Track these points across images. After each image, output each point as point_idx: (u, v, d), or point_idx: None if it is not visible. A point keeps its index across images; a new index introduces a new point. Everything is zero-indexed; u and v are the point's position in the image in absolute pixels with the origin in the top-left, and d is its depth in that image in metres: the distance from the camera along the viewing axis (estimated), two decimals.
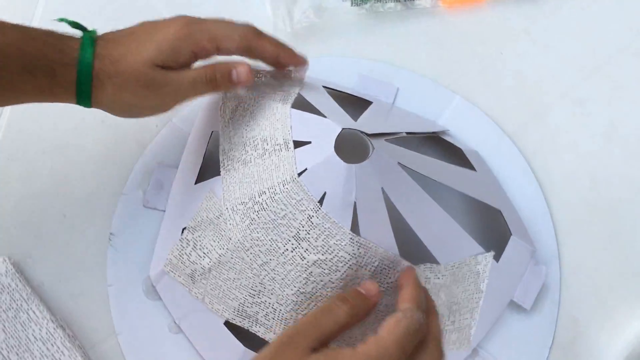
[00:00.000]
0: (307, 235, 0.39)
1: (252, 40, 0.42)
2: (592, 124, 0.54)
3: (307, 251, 0.39)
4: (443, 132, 0.51)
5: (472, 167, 0.48)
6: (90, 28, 0.42)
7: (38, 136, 0.52)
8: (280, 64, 0.44)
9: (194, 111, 0.52)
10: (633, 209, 0.51)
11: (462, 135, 0.53)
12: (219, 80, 0.42)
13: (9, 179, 0.51)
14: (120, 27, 0.43)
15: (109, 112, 0.42)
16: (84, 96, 0.41)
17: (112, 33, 0.41)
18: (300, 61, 0.45)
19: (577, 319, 0.48)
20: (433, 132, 0.49)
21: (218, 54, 0.42)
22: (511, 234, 0.46)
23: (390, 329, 0.33)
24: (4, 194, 0.50)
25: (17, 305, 0.45)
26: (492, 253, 0.45)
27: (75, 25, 0.41)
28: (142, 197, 0.50)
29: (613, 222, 0.50)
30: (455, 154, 0.49)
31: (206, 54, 0.42)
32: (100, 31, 0.42)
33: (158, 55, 0.40)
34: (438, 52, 0.56)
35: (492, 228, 0.47)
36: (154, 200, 0.49)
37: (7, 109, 0.53)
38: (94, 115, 0.52)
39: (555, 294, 0.48)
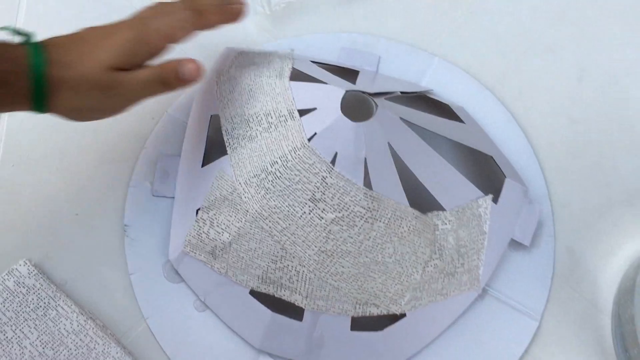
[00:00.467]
0: (323, 196, 0.41)
1: (198, 21, 0.43)
2: (564, 68, 0.57)
3: (324, 211, 0.42)
4: (428, 92, 0.54)
5: (460, 120, 0.51)
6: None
7: (39, 140, 0.53)
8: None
9: (188, 99, 0.54)
10: (610, 140, 0.54)
11: (446, 93, 0.55)
12: (168, 80, 0.42)
13: (17, 185, 0.52)
14: None
15: (64, 117, 0.42)
16: (40, 103, 0.40)
17: (58, 38, 0.41)
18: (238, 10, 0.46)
19: (572, 249, 0.52)
20: (420, 92, 0.52)
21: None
22: (505, 177, 0.49)
23: None
24: (15, 200, 0.51)
25: (45, 303, 0.47)
26: (491, 196, 0.48)
27: (17, 32, 0.41)
28: (149, 188, 0.51)
29: (594, 154, 0.54)
30: (443, 110, 0.52)
31: (161, 52, 0.42)
32: None
33: (114, 58, 0.40)
34: (413, 18, 0.59)
35: (487, 173, 0.50)
36: (162, 189, 0.51)
37: (5, 117, 0.54)
38: None
39: (550, 228, 0.52)
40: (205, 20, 0.44)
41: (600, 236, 0.52)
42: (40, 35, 0.42)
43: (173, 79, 0.42)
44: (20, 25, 0.57)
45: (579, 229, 0.52)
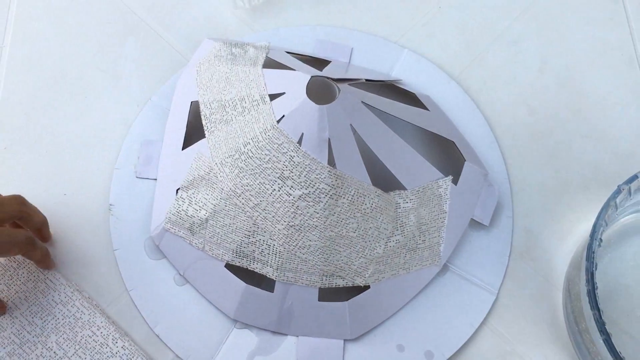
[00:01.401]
0: (291, 174, 0.45)
1: (18, 211, 0.47)
2: (526, 59, 0.61)
3: (292, 188, 0.45)
4: (397, 81, 0.57)
5: (425, 108, 0.55)
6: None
7: (29, 124, 0.56)
8: (41, 234, 0.50)
9: (170, 88, 0.57)
10: (566, 128, 0.58)
11: (414, 83, 0.59)
12: (35, 249, 0.48)
13: (8, 167, 0.55)
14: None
15: None
16: None
17: None
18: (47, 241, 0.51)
19: (529, 229, 0.55)
20: (388, 81, 0.56)
21: None
22: (465, 160, 0.53)
23: None
24: (6, 181, 0.54)
25: (35, 276, 0.50)
26: (450, 177, 0.51)
27: None
28: (134, 170, 0.55)
29: (551, 142, 0.58)
30: (409, 98, 0.56)
31: None
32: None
33: None
34: (385, 12, 0.62)
35: (448, 157, 0.54)
36: (145, 171, 0.54)
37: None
38: (78, 104, 0.57)
39: (509, 210, 0.55)
40: (26, 216, 0.48)
41: (556, 217, 0.55)
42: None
43: None
44: (11, 23, 0.60)
45: (536, 211, 0.56)
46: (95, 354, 0.48)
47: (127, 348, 0.48)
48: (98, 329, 0.48)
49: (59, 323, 0.49)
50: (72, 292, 0.50)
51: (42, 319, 0.49)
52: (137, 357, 0.47)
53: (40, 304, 0.49)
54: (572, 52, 0.61)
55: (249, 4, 0.61)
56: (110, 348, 0.48)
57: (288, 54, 0.55)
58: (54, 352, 0.47)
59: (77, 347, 0.48)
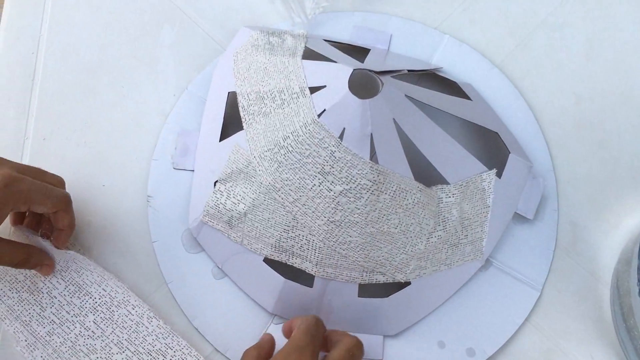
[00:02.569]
0: (332, 169, 0.44)
1: (60, 211, 0.47)
2: (571, 45, 0.58)
3: (332, 183, 0.44)
4: (437, 70, 0.56)
5: (467, 97, 0.53)
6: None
7: (67, 116, 0.56)
8: (61, 237, 0.49)
9: (207, 77, 0.57)
10: (615, 117, 0.56)
11: (455, 71, 0.57)
12: (27, 266, 0.47)
13: (48, 157, 0.55)
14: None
15: None
16: None
17: None
18: (58, 248, 0.49)
19: (575, 222, 0.53)
20: (429, 70, 0.54)
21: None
22: (510, 152, 0.51)
23: None
24: None
25: (64, 258, 0.50)
26: (494, 170, 0.50)
27: None
28: (171, 161, 0.54)
29: (598, 132, 0.56)
30: (451, 87, 0.54)
31: (21, 211, 0.46)
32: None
33: None
34: None
35: (492, 149, 0.52)
36: (182, 162, 0.54)
37: (36, 94, 0.57)
38: (115, 93, 0.57)
39: (554, 202, 0.54)
40: (60, 219, 0.48)
41: (603, 210, 0.54)
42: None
43: (31, 266, 0.48)
44: (48, 12, 0.60)
45: (582, 203, 0.54)
46: (132, 333, 0.48)
47: (162, 327, 0.48)
48: (133, 308, 0.48)
49: (96, 302, 0.49)
50: (103, 271, 0.49)
51: (79, 299, 0.49)
52: (172, 337, 0.47)
53: (77, 284, 0.49)
54: (620, 37, 0.59)
55: (306, 19, 0.58)
56: (145, 327, 0.48)
57: (326, 42, 0.53)
58: (92, 331, 0.48)
59: (115, 326, 0.48)
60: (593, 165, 0.55)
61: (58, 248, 0.49)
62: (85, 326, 0.48)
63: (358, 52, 0.53)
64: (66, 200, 0.47)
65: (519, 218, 0.52)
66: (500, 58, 0.58)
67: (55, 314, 0.48)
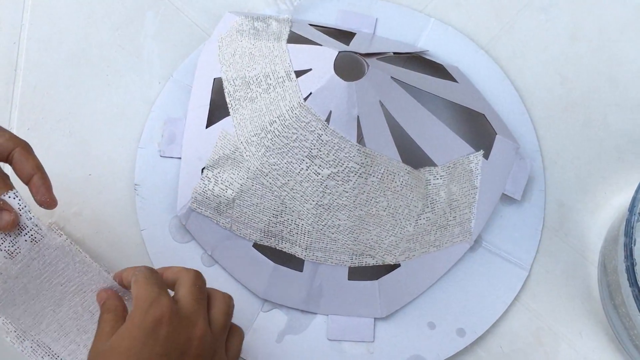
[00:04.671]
0: (319, 153, 0.44)
1: (19, 150, 0.41)
2: (557, 27, 0.58)
3: (320, 167, 0.44)
4: (424, 52, 0.56)
5: (454, 80, 0.53)
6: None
7: (52, 106, 0.56)
8: (31, 188, 0.41)
9: (192, 64, 0.56)
10: (601, 97, 0.56)
11: (441, 54, 0.57)
12: None
13: (33, 148, 0.54)
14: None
15: None
16: None
17: None
18: (47, 202, 0.42)
19: (562, 202, 0.54)
20: (415, 52, 0.54)
21: None
22: (496, 134, 0.51)
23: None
24: None
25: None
26: (481, 152, 0.50)
27: None
28: (157, 149, 0.54)
29: (584, 112, 0.56)
30: (437, 70, 0.54)
31: None
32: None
33: None
34: None
35: (479, 130, 0.52)
36: (169, 150, 0.54)
37: (19, 84, 0.56)
38: (99, 82, 0.56)
39: (541, 183, 0.54)
40: (18, 162, 0.41)
41: (590, 190, 0.54)
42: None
43: None
44: (29, 1, 0.59)
45: (569, 183, 0.54)
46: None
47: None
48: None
49: (83, 284, 0.47)
50: (87, 259, 0.49)
51: (61, 284, 0.48)
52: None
53: (61, 268, 0.48)
54: (605, 18, 0.59)
55: (292, 5, 0.58)
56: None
57: (311, 27, 0.53)
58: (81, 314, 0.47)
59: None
60: (579, 146, 0.55)
61: (47, 205, 0.42)
62: (73, 309, 0.47)
63: (343, 36, 0.53)
64: (24, 144, 0.41)
65: (506, 199, 0.53)
66: (486, 40, 0.58)
67: (41, 300, 0.48)
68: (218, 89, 0.51)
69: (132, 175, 0.54)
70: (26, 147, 0.42)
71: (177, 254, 0.51)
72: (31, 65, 0.57)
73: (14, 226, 0.40)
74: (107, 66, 0.57)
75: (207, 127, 0.51)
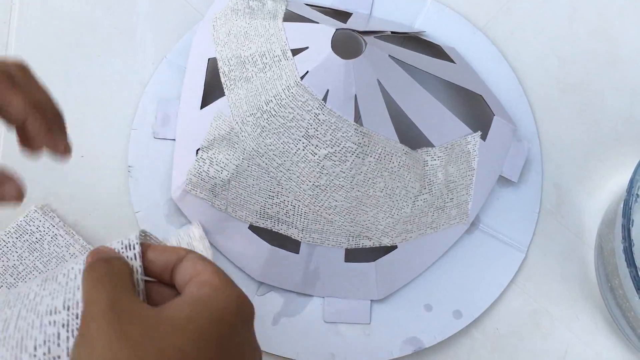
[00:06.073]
0: (316, 132, 0.43)
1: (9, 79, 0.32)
2: (555, 8, 0.58)
3: (317, 147, 0.44)
4: (421, 33, 0.55)
5: (451, 60, 0.53)
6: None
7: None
8: (26, 133, 0.34)
9: (186, 45, 0.55)
10: (599, 80, 0.56)
11: (438, 35, 0.57)
12: None
13: None
14: None
15: None
16: None
17: None
18: (58, 147, 0.35)
19: (559, 185, 0.53)
20: (412, 33, 0.53)
21: None
22: (494, 115, 0.51)
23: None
24: None
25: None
26: (479, 133, 0.50)
27: None
28: (151, 131, 0.53)
29: (582, 94, 0.55)
30: (434, 50, 0.53)
31: None
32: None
33: None
34: None
35: (476, 112, 0.52)
36: (163, 131, 0.53)
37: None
38: (91, 64, 0.56)
39: (538, 165, 0.54)
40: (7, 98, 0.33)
41: (587, 172, 0.54)
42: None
43: None
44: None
45: (566, 166, 0.54)
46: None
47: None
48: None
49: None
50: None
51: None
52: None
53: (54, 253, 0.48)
54: None
55: None
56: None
57: (307, 6, 0.52)
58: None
59: None
60: (577, 128, 0.55)
61: (62, 152, 0.36)
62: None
63: (340, 15, 0.52)
64: (20, 65, 0.34)
65: (503, 181, 0.52)
66: (484, 22, 0.58)
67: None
68: (213, 69, 0.51)
69: (126, 157, 0.53)
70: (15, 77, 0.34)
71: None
72: (22, 45, 0.56)
73: (21, 198, 0.34)
74: (99, 47, 0.56)
75: (201, 108, 0.51)
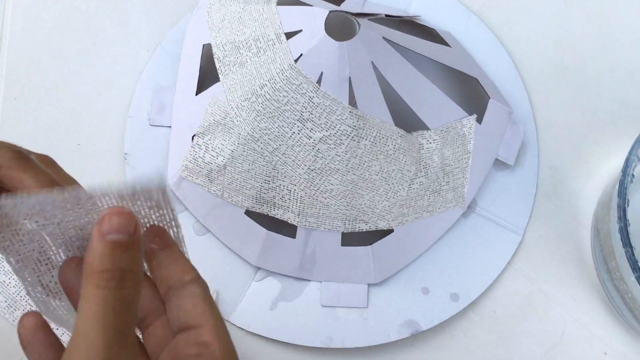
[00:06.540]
0: (311, 116, 0.43)
1: (4, 169, 0.30)
2: None
3: (312, 130, 0.44)
4: (416, 17, 0.55)
5: (446, 44, 0.53)
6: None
7: (39, 75, 0.55)
8: None
9: (180, 32, 0.55)
10: (594, 63, 0.56)
11: (433, 19, 0.56)
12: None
13: (20, 118, 0.54)
14: None
15: None
16: None
17: None
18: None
19: (555, 168, 0.54)
20: (407, 17, 0.53)
21: None
22: (489, 98, 0.51)
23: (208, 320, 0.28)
24: (18, 133, 0.53)
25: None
26: (474, 116, 0.50)
27: None
28: (147, 118, 0.53)
29: (578, 77, 0.55)
30: (429, 34, 0.53)
31: None
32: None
33: None
34: None
35: (472, 95, 0.52)
36: (158, 119, 0.53)
37: (4, 53, 0.55)
38: (86, 51, 0.56)
39: (534, 148, 0.54)
40: (17, 181, 0.32)
41: (583, 155, 0.54)
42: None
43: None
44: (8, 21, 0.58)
45: (562, 149, 0.54)
46: None
47: None
48: None
49: None
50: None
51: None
52: None
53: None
54: None
55: None
56: None
57: None
58: None
59: None
60: (572, 111, 0.55)
61: None
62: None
63: (334, 1, 0.52)
64: (13, 150, 0.32)
65: (499, 164, 0.52)
66: (478, 5, 0.57)
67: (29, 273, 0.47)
68: (207, 55, 0.51)
69: (122, 144, 0.53)
70: (17, 162, 0.32)
71: None
72: (17, 34, 0.56)
73: None
74: (94, 35, 0.56)
75: (197, 94, 0.51)
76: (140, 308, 0.29)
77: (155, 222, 0.30)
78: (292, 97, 0.43)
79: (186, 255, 0.31)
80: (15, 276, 0.47)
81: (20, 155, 0.32)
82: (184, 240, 0.32)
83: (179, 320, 0.28)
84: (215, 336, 0.27)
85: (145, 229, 0.30)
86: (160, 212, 0.30)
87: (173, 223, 0.31)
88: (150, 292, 0.30)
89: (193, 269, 0.29)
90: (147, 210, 0.30)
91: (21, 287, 0.47)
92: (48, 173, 0.32)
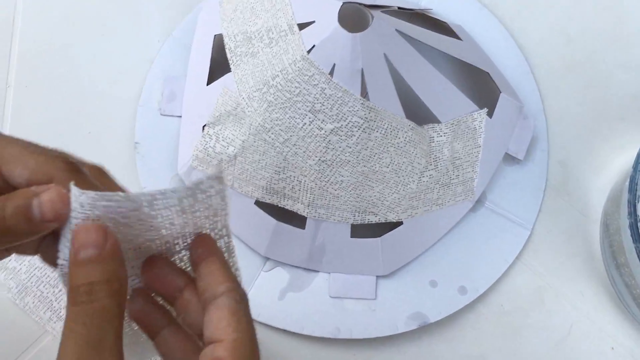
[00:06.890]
0: (322, 107, 0.43)
1: (59, 174, 0.30)
2: None
3: (323, 122, 0.44)
4: (427, 10, 0.55)
5: (457, 37, 0.53)
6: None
7: (50, 64, 0.55)
8: None
9: (191, 22, 0.55)
10: (605, 57, 0.56)
11: (445, 13, 0.56)
12: (9, 222, 0.27)
13: (31, 106, 0.54)
14: None
15: None
16: None
17: None
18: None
19: (565, 162, 0.53)
20: (419, 10, 0.53)
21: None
22: (500, 92, 0.51)
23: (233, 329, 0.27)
24: (30, 121, 0.53)
25: None
26: (485, 110, 0.50)
27: None
28: (158, 107, 0.54)
29: (589, 72, 0.55)
30: (441, 27, 0.53)
31: None
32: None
33: None
34: None
35: (483, 88, 0.52)
36: (169, 108, 0.53)
37: (16, 42, 0.55)
38: (97, 41, 0.56)
39: (544, 143, 0.53)
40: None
41: (592, 150, 0.54)
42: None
43: (18, 220, 0.28)
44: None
45: (572, 143, 0.54)
46: None
47: None
48: None
49: None
50: None
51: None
52: None
53: None
54: None
55: None
56: None
57: None
58: None
59: None
60: (583, 105, 0.55)
61: None
62: None
63: None
64: (66, 159, 0.31)
65: (509, 158, 0.52)
66: None
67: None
68: (219, 45, 0.51)
69: (132, 133, 0.53)
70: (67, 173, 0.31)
71: None
72: (28, 23, 0.56)
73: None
74: (105, 25, 0.56)
75: (207, 85, 0.51)
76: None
77: (207, 231, 0.30)
78: (304, 88, 0.43)
79: (235, 264, 0.31)
80: (25, 262, 0.47)
81: (72, 167, 0.31)
82: (234, 250, 0.32)
83: (207, 333, 0.28)
84: (230, 352, 0.26)
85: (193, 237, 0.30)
86: (215, 219, 0.30)
87: (224, 231, 0.31)
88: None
89: (229, 280, 0.29)
90: (203, 220, 0.30)
91: (32, 273, 0.48)
92: (98, 186, 0.31)
